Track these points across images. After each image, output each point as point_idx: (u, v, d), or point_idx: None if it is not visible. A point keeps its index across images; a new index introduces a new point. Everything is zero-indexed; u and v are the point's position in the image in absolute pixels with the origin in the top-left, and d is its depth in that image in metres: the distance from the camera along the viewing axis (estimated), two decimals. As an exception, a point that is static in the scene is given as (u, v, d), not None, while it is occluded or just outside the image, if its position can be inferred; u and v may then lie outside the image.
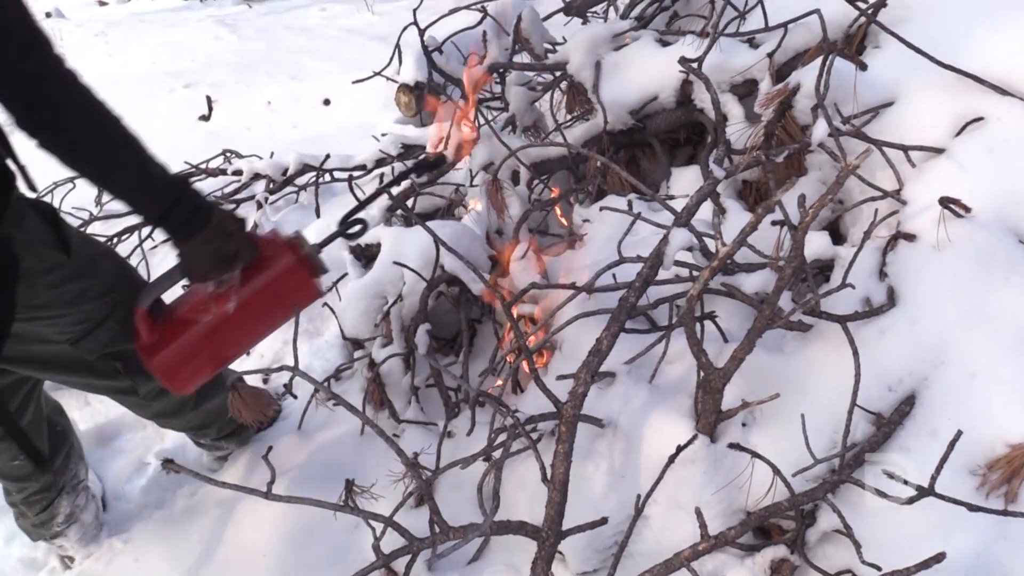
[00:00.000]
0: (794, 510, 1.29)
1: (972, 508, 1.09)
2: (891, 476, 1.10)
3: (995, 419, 1.27)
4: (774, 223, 1.46)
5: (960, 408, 1.30)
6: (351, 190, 2.81)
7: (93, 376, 1.53)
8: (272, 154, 3.19)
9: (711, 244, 1.56)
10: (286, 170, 3.04)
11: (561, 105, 2.28)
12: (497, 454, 1.50)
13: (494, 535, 1.35)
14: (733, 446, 1.35)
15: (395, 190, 2.29)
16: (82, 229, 2.73)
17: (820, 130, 1.52)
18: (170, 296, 1.45)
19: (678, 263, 1.49)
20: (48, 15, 6.68)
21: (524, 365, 1.66)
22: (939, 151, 1.54)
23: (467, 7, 2.88)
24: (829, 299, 1.38)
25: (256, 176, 3.07)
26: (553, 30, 2.71)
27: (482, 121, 2.25)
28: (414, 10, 2.73)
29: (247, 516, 1.80)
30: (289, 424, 2.02)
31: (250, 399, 1.76)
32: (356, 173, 2.93)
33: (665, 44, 2.11)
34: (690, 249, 1.46)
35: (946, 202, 1.40)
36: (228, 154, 3.36)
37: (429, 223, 1.88)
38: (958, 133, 1.55)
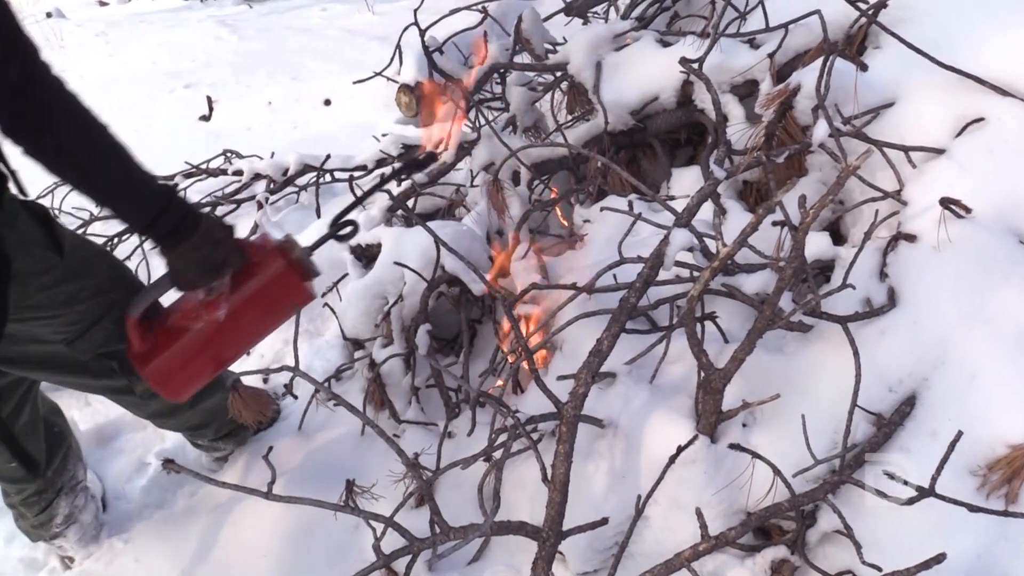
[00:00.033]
0: (794, 511, 1.29)
1: (972, 509, 1.09)
2: (891, 477, 1.11)
3: (995, 420, 1.27)
4: (775, 224, 1.46)
5: (960, 409, 1.30)
6: (352, 190, 2.81)
7: (89, 376, 1.53)
8: (273, 154, 3.19)
9: (712, 245, 1.56)
10: (287, 170, 3.04)
11: (562, 105, 2.28)
12: (498, 454, 1.50)
13: (494, 535, 1.35)
14: (734, 446, 1.35)
15: (396, 191, 2.29)
16: (82, 230, 2.73)
17: (821, 131, 1.52)
18: (167, 300, 1.45)
19: (679, 263, 1.49)
20: (49, 15, 6.68)
21: (524, 365, 1.66)
22: (940, 152, 1.54)
23: (468, 7, 2.87)
24: (830, 300, 1.38)
25: (257, 176, 3.07)
26: (554, 30, 2.71)
27: (483, 121, 2.26)
28: (415, 10, 2.72)
29: (247, 516, 1.80)
30: (289, 424, 2.01)
31: (250, 399, 1.77)
32: (357, 173, 2.93)
33: (666, 44, 2.12)
34: (691, 250, 1.46)
35: (947, 203, 1.40)
36: (229, 154, 3.37)
37: (430, 223, 1.88)
38: (959, 134, 1.55)
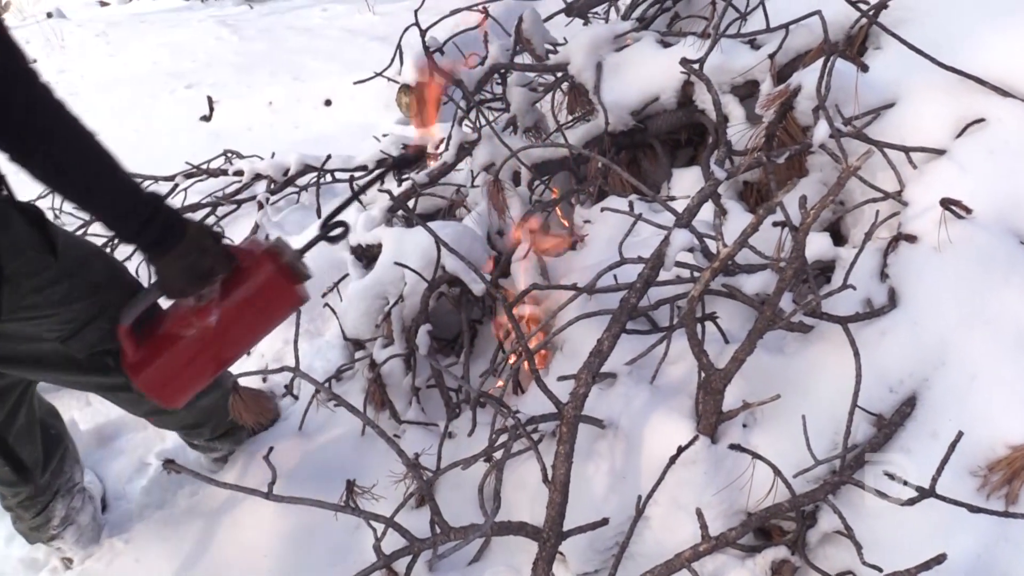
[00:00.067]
0: (795, 511, 1.29)
1: (973, 509, 1.09)
2: (892, 477, 1.11)
3: (996, 420, 1.27)
4: (775, 224, 1.46)
5: (961, 409, 1.30)
6: (352, 191, 2.81)
7: (84, 373, 1.53)
8: (273, 154, 3.19)
9: (712, 245, 1.56)
10: (287, 170, 3.04)
11: (562, 106, 2.28)
12: (498, 455, 1.50)
13: (495, 536, 1.35)
14: (734, 447, 1.36)
15: (396, 191, 2.29)
16: (82, 231, 2.73)
17: (821, 131, 1.52)
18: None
19: (679, 264, 1.49)
20: (49, 15, 6.69)
21: (525, 366, 1.66)
22: (940, 152, 1.54)
23: (468, 8, 2.87)
24: (830, 300, 1.38)
25: (257, 176, 3.07)
26: (554, 31, 2.71)
27: (483, 122, 2.26)
28: (415, 11, 2.72)
29: (247, 516, 1.80)
30: (290, 425, 2.02)
31: (251, 401, 1.77)
32: (357, 174, 2.93)
33: (666, 45, 2.12)
34: (691, 250, 1.46)
35: (947, 203, 1.40)
36: (229, 154, 3.37)
37: (430, 224, 1.88)
38: (959, 134, 1.55)
